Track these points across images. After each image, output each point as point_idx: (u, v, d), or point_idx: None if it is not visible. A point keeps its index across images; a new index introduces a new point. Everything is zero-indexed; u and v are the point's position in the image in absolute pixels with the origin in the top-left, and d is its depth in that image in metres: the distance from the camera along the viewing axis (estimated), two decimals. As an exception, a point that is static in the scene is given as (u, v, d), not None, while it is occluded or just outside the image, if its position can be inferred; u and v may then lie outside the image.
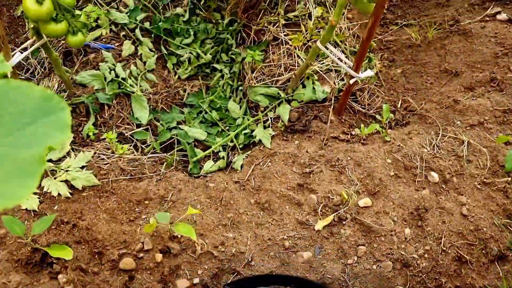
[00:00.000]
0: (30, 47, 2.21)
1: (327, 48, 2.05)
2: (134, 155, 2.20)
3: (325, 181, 2.01)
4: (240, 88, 2.57)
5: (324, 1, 2.78)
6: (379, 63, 2.71)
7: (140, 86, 2.48)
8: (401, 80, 2.61)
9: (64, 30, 1.99)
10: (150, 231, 1.81)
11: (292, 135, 2.27)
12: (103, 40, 2.56)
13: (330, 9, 2.77)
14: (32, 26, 2.00)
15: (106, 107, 2.33)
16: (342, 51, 2.61)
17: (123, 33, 2.60)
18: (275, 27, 2.61)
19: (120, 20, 2.59)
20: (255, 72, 2.49)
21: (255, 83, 2.44)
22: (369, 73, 2.13)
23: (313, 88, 2.37)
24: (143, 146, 2.30)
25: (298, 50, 2.51)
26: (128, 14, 2.63)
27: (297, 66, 2.44)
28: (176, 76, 2.68)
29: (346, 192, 1.90)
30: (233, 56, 2.71)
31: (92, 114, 2.27)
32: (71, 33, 2.02)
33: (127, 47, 2.56)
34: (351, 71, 2.09)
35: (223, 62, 2.72)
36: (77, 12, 2.03)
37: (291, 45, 2.55)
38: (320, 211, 1.91)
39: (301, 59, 2.48)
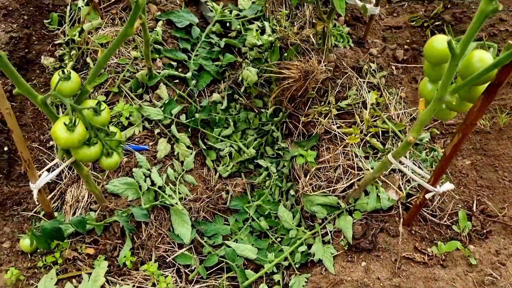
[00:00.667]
0: (58, 166, 1.97)
1: (401, 163, 1.76)
2: (178, 285, 1.91)
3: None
4: (291, 192, 2.28)
5: (378, 83, 2.51)
6: (442, 152, 2.40)
7: (179, 193, 2.20)
8: (471, 173, 2.30)
9: (98, 154, 1.73)
10: None
11: (358, 255, 1.96)
12: (136, 140, 2.31)
13: (383, 91, 2.50)
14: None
15: (143, 225, 2.05)
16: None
17: (158, 130, 2.34)
18: (326, 118, 2.33)
19: (154, 116, 2.34)
20: (308, 176, 2.20)
21: (310, 191, 2.15)
22: (449, 186, 1.82)
23: (377, 195, 2.07)
24: (187, 271, 2.00)
25: (356, 147, 2.22)
26: (162, 108, 2.38)
27: (356, 168, 2.15)
28: (217, 175, 2.40)
29: None
30: (279, 152, 2.43)
31: (128, 237, 1.99)
32: (105, 155, 1.76)
33: (163, 147, 2.29)
34: (428, 186, 1.79)
35: (269, 158, 2.45)
36: (112, 128, 1.78)
37: (345, 139, 2.26)
38: None
39: (359, 159, 2.19)
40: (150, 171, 2.20)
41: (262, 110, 2.54)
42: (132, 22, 1.52)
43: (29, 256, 2.03)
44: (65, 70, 1.62)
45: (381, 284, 1.83)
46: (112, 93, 2.41)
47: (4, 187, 2.26)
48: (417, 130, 1.62)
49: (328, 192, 2.12)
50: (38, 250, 2.03)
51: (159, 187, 2.15)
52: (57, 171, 1.85)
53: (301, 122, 2.40)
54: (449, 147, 1.66)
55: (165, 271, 1.96)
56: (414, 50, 2.90)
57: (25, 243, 2.00)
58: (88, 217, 1.99)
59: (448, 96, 1.43)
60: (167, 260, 2.00)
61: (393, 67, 2.78)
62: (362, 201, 2.05)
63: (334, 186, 2.14)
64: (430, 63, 1.55)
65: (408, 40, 2.96)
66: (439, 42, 1.48)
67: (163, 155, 2.28)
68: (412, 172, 1.84)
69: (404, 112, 2.45)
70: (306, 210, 2.16)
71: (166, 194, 2.16)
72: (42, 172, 1.88)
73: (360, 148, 2.23)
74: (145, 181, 2.15)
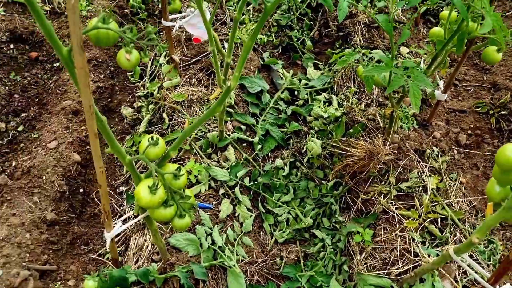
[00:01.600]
0: (132, 219, 2.11)
1: (463, 261, 1.78)
2: None
3: None
4: (345, 267, 2.32)
5: (439, 168, 2.55)
6: (501, 245, 2.39)
7: (237, 254, 2.29)
8: (529, 273, 2.26)
9: (172, 215, 1.85)
10: None
11: None
12: (201, 198, 2.43)
13: (444, 176, 2.53)
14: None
15: (201, 283, 2.14)
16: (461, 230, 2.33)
17: (222, 190, 2.46)
18: (385, 198, 2.38)
19: (221, 177, 2.47)
20: (364, 254, 2.25)
21: (364, 270, 2.18)
22: (509, 289, 1.82)
23: (433, 284, 2.08)
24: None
25: (413, 231, 2.25)
26: (228, 170, 2.51)
27: (413, 253, 2.18)
28: (273, 239, 2.48)
29: None
30: (335, 225, 2.49)
31: (187, 296, 2.09)
32: (178, 216, 1.89)
33: (225, 208, 2.41)
34: (488, 286, 1.79)
35: (325, 229, 2.51)
36: (186, 192, 1.91)
37: (403, 222, 2.30)
38: None
39: (416, 244, 2.21)
40: (212, 230, 2.31)
41: (323, 181, 2.62)
42: (221, 102, 1.67)
43: (91, 298, 2.15)
44: (154, 137, 1.78)
45: None
46: (183, 150, 2.57)
47: (75, 226, 2.42)
48: (483, 232, 1.65)
49: (382, 274, 2.15)
50: (100, 293, 2.15)
51: (219, 247, 2.25)
52: (130, 223, 1.99)
53: (360, 198, 2.46)
54: None
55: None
56: (478, 136, 2.93)
57: (89, 284, 2.13)
58: (151, 269, 2.11)
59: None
60: (221, 322, 2.07)
61: (455, 151, 2.81)
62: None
63: (389, 269, 2.16)
64: (501, 169, 1.60)
65: (472, 125, 2.99)
66: (511, 151, 1.53)
67: (225, 215, 2.39)
68: (472, 269, 1.85)
69: (464, 200, 2.47)
70: (360, 289, 2.19)
71: (225, 255, 2.25)
72: (117, 223, 2.03)
73: (418, 233, 2.26)
74: (206, 239, 2.26)
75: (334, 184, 2.57)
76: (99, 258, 2.35)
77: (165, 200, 1.81)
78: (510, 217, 1.60)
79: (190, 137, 2.60)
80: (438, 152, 2.62)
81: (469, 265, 1.87)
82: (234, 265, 2.22)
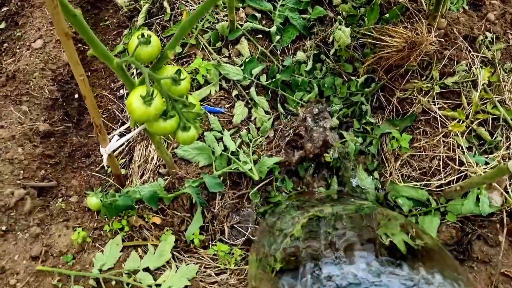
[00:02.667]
0: (130, 131, 1.82)
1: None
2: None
3: None
4: (375, 174, 2.05)
5: (492, 58, 2.14)
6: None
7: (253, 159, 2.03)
8: None
9: (174, 127, 1.55)
10: None
11: (448, 263, 1.74)
12: (211, 101, 2.12)
13: (498, 68, 2.13)
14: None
15: (218, 196, 1.91)
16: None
17: (235, 91, 2.13)
18: (426, 97, 2.03)
19: (233, 76, 2.12)
20: (399, 162, 1.95)
21: (399, 180, 1.91)
22: None
23: (477, 197, 1.80)
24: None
25: (460, 136, 1.92)
26: (242, 67, 2.15)
27: (458, 163, 1.87)
28: (294, 146, 2.20)
29: None
30: (366, 127, 2.17)
31: (199, 214, 1.86)
32: (181, 129, 1.59)
33: (240, 111, 2.10)
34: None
35: (354, 131, 2.19)
36: (190, 99, 1.59)
37: (447, 125, 1.96)
38: None
39: (462, 150, 1.90)
40: (223, 135, 2.03)
41: (352, 77, 2.25)
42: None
43: (96, 215, 1.96)
44: (145, 34, 1.42)
45: (473, 302, 1.62)
46: (188, 44, 2.20)
47: (73, 137, 2.17)
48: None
49: (419, 185, 1.87)
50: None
51: (232, 153, 1.99)
52: (128, 136, 1.71)
53: (395, 97, 2.11)
54: None
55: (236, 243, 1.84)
56: (539, 16, 2.45)
57: (92, 201, 1.92)
58: (158, 188, 1.87)
59: None
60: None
61: (510, 36, 2.37)
62: (456, 202, 1.80)
63: (427, 180, 1.88)
64: None
65: (532, 3, 2.50)
66: None
67: (240, 120, 2.09)
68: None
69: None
70: (390, 200, 1.94)
71: (240, 161, 1.99)
72: (113, 136, 1.75)
73: (464, 138, 1.94)
74: (218, 145, 1.99)
75: (365, 80, 2.20)
76: (100, 174, 2.12)
77: (165, 111, 1.51)
78: None
79: (196, 29, 2.21)
80: (491, 38, 2.19)
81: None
82: (251, 169, 1.97)
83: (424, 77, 2.07)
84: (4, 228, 1.79)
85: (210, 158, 2.00)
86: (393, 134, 1.97)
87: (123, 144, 2.15)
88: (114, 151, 1.83)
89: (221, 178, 1.95)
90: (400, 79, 2.12)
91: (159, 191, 1.86)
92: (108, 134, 1.77)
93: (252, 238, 1.90)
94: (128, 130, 1.83)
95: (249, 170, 1.97)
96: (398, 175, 1.94)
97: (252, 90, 2.13)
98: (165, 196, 1.86)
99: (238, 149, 2.03)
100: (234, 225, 1.92)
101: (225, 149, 2.02)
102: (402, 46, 1.94)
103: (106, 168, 2.11)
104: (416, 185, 1.87)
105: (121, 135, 1.75)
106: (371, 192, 1.97)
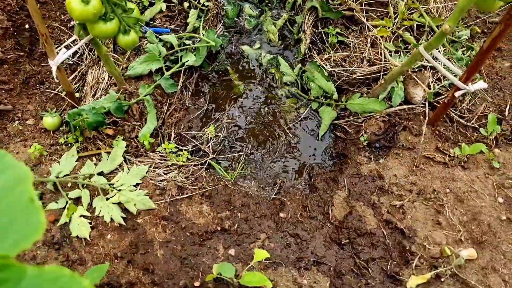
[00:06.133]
0: (76, 43, 1.92)
1: (433, 57, 1.64)
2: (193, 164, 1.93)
3: (419, 221, 1.69)
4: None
5: (419, -29, 2.29)
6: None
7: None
8: (509, 76, 2.16)
9: (114, 30, 1.68)
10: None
11: (376, 152, 1.93)
12: (161, 20, 2.22)
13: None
14: (77, 22, 1.69)
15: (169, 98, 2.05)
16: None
17: (186, 3, 2.25)
18: (356, 2, 2.18)
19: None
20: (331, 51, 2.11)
21: (325, 64, 2.08)
22: (482, 85, 1.72)
23: (393, 88, 1.98)
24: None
25: (387, 41, 2.09)
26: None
27: (383, 58, 2.04)
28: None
29: (449, 249, 1.57)
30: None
31: (152, 116, 1.99)
32: (122, 33, 1.71)
33: (193, 19, 2.22)
34: (459, 83, 1.69)
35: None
36: (129, 4, 1.70)
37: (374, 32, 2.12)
38: (415, 265, 1.60)
39: (388, 51, 2.07)
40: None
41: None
42: None
43: (51, 133, 2.07)
44: None
45: (397, 180, 1.81)
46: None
47: (26, 65, 2.25)
48: (455, 18, 1.48)
49: (343, 72, 2.06)
50: (61, 128, 2.06)
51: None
52: (75, 47, 1.82)
53: None
54: (488, 41, 1.53)
55: (182, 154, 1.97)
56: None
57: (48, 121, 2.03)
58: (112, 98, 1.99)
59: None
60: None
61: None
62: (353, 101, 2.01)
63: (353, 71, 2.06)
64: None
65: None
66: None
67: (193, 28, 2.22)
68: (444, 67, 1.73)
69: (445, 6, 2.27)
70: (304, 79, 2.15)
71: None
72: (60, 49, 1.85)
73: (391, 42, 2.10)
74: (163, 46, 2.14)
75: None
76: (55, 100, 2.21)
77: (105, 13, 1.62)
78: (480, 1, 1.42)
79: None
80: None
81: (443, 66, 1.74)
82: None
83: (355, -9, 2.22)
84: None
85: (161, 62, 2.12)
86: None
87: (77, 72, 2.26)
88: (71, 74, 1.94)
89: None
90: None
91: (122, 100, 1.99)
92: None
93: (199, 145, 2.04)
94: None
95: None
96: (324, 61, 2.11)
97: None
98: (127, 104, 1.99)
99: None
100: (182, 133, 2.05)
101: (171, 47, 2.16)
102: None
103: (59, 86, 2.21)
104: (341, 72, 2.05)
105: (68, 48, 1.86)
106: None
